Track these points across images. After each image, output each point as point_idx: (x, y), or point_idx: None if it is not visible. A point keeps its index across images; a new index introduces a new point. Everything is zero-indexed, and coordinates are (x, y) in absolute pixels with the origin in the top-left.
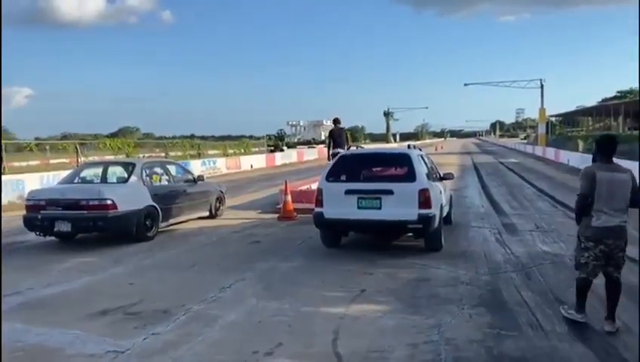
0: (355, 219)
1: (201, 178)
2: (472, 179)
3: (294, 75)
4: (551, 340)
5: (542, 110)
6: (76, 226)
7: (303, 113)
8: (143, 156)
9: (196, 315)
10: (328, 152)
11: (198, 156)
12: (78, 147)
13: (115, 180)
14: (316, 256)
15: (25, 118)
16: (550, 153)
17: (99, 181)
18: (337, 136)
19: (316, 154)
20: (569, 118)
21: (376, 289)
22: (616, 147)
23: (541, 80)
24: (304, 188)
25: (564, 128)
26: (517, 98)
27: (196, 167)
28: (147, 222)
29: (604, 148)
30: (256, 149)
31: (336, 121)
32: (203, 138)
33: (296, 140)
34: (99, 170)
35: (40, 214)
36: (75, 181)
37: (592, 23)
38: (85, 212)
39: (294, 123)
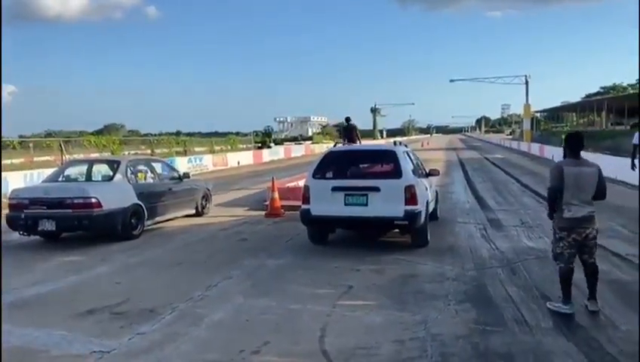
0: (341, 215)
1: (187, 175)
2: (458, 174)
3: (281, 71)
4: (536, 335)
5: (527, 106)
6: (61, 225)
7: (291, 109)
8: (129, 153)
9: (183, 314)
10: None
11: (185, 153)
12: (62, 145)
13: (99, 178)
14: (304, 253)
15: (8, 115)
16: (535, 148)
17: (83, 179)
18: (348, 133)
19: (303, 151)
20: (554, 114)
21: (363, 285)
22: (582, 143)
23: (526, 76)
24: (292, 185)
25: (549, 124)
26: (502, 94)
27: (182, 164)
28: (133, 221)
29: (572, 145)
30: (244, 146)
31: (347, 120)
32: (189, 135)
33: (283, 137)
34: (83, 168)
35: (23, 213)
36: (60, 179)
37: (576, 20)
38: (70, 211)
39: (282, 119)
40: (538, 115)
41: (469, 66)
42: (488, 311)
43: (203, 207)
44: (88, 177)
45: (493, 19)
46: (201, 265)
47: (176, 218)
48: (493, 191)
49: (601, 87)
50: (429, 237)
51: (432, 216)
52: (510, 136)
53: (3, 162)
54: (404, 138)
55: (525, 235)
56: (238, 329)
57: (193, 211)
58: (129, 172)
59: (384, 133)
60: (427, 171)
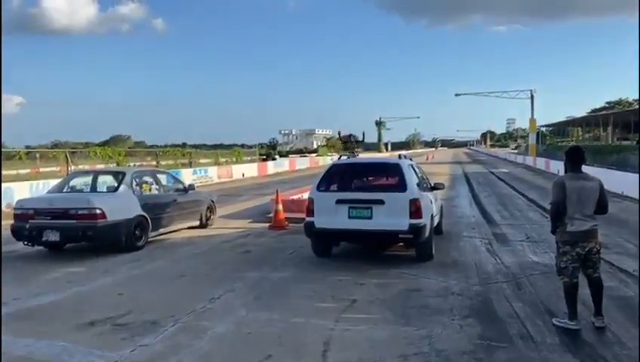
0: (346, 228)
1: (191, 187)
2: (463, 188)
3: (287, 83)
4: (541, 351)
5: (532, 120)
6: (65, 236)
7: (296, 122)
8: (134, 165)
9: (185, 326)
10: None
11: (190, 165)
12: (68, 155)
13: (104, 189)
14: (307, 265)
15: (16, 126)
16: (541, 163)
17: (88, 190)
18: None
19: (308, 163)
20: (559, 129)
21: (367, 299)
22: (583, 157)
23: (531, 90)
24: (296, 197)
25: (554, 138)
26: (508, 108)
27: (188, 175)
28: (137, 232)
29: (573, 159)
30: (249, 158)
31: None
32: (195, 147)
33: (288, 149)
34: (88, 179)
35: (28, 223)
36: (65, 190)
37: (581, 35)
38: (74, 221)
39: (287, 131)
40: (543, 129)
41: (474, 80)
42: (493, 327)
43: (207, 219)
44: (93, 188)
45: (499, 34)
46: (204, 278)
47: (181, 229)
48: (499, 206)
49: (607, 102)
50: (433, 251)
51: (437, 229)
52: (516, 151)
53: (9, 172)
54: (410, 151)
55: (531, 250)
56: (241, 342)
57: (198, 223)
58: (134, 183)
59: (389, 146)
60: (432, 185)
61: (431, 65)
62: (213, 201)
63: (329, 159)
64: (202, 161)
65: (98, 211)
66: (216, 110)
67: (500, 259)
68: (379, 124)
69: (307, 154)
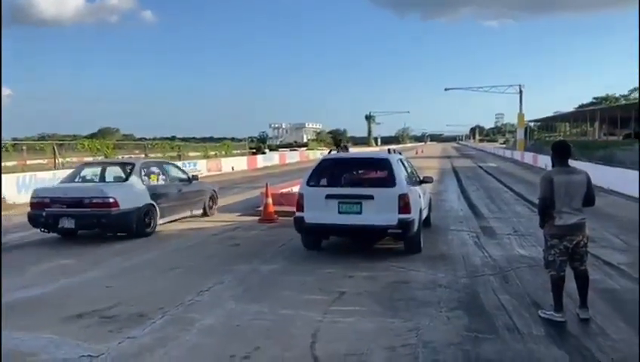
0: (335, 223)
1: (195, 178)
2: (452, 182)
3: (277, 77)
4: (527, 343)
5: (521, 115)
6: (80, 223)
7: (286, 116)
8: (122, 157)
9: (173, 319)
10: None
11: (179, 158)
12: (55, 148)
13: (115, 179)
14: (297, 258)
15: (4, 118)
16: (528, 157)
17: (99, 180)
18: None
19: (298, 157)
20: (547, 124)
21: (355, 292)
22: (569, 151)
23: (520, 86)
24: (285, 190)
25: (542, 133)
26: (496, 103)
27: None
28: (146, 219)
29: (559, 153)
30: (238, 151)
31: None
32: (184, 140)
33: (278, 143)
34: (98, 170)
35: (45, 211)
36: (76, 180)
37: (570, 31)
38: (88, 209)
39: (277, 125)
40: (532, 124)
41: (463, 75)
42: (480, 319)
43: (210, 208)
44: (102, 178)
45: (489, 28)
46: (193, 270)
47: (186, 217)
48: (487, 200)
49: (594, 98)
50: (422, 245)
51: (426, 222)
52: (504, 145)
53: None
54: (399, 146)
55: (518, 243)
56: (229, 334)
57: (201, 211)
58: (142, 173)
59: (379, 140)
60: (421, 178)
61: (421, 60)
62: (215, 191)
63: (319, 153)
64: (191, 154)
65: (112, 200)
66: (206, 103)
67: (488, 252)
68: (369, 118)
69: (297, 148)
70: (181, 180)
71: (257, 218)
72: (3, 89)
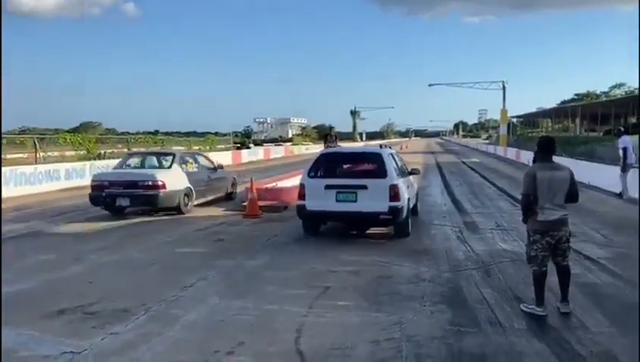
0: (333, 211)
1: (220, 166)
2: (436, 178)
3: (262, 71)
4: (509, 336)
5: (503, 111)
6: (133, 202)
7: (271, 110)
8: (104, 152)
9: (157, 314)
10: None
11: None
12: (36, 142)
13: (161, 166)
14: (281, 254)
15: None
16: (511, 153)
17: (146, 167)
18: (330, 141)
19: (283, 152)
20: (529, 119)
21: (340, 286)
22: (554, 147)
23: (503, 82)
24: (270, 185)
25: (524, 129)
26: (480, 99)
27: None
28: (185, 200)
29: (544, 149)
30: (222, 146)
31: (332, 129)
32: (167, 134)
33: (263, 138)
34: (143, 159)
35: (104, 192)
36: (124, 167)
37: (552, 27)
38: (141, 191)
39: (261, 120)
40: (514, 120)
41: (447, 71)
42: (463, 313)
43: (231, 192)
44: (149, 166)
45: (472, 25)
46: (177, 266)
47: (214, 199)
48: (470, 195)
49: (575, 94)
50: (409, 230)
51: (413, 211)
52: (487, 141)
53: None
54: (384, 141)
55: (500, 238)
56: (213, 329)
57: (224, 194)
58: (181, 162)
59: (364, 135)
60: (409, 170)
61: (406, 55)
62: (235, 178)
63: (304, 148)
64: (174, 148)
65: (160, 183)
66: (190, 98)
67: (471, 247)
68: (354, 113)
69: (282, 143)
70: (209, 168)
71: (242, 213)
72: None
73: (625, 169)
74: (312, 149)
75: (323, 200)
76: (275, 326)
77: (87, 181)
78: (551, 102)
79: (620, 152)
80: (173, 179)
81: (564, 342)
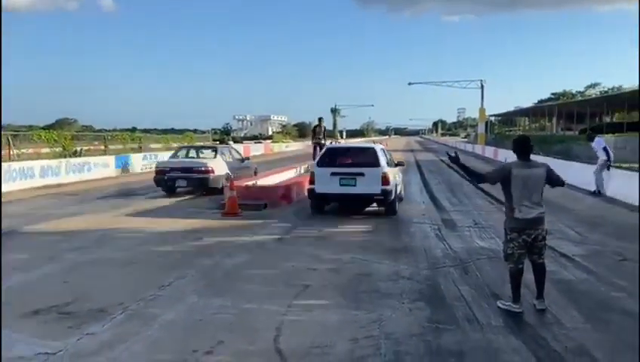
0: (337, 193)
1: (247, 158)
2: (415, 176)
3: (241, 68)
4: (486, 333)
5: (482, 110)
6: (190, 184)
7: (251, 108)
8: (81, 149)
9: (134, 314)
10: (312, 142)
11: (140, 150)
12: (10, 139)
13: (208, 156)
14: (261, 252)
15: None
16: (489, 151)
17: (197, 157)
18: (319, 132)
19: (263, 150)
20: (507, 118)
21: (320, 284)
22: (529, 145)
23: (481, 81)
24: (250, 183)
25: (502, 128)
26: (459, 98)
27: (137, 161)
28: (226, 183)
29: (520, 148)
30: (201, 144)
31: (320, 120)
32: (145, 131)
33: (242, 135)
34: (191, 151)
35: (166, 176)
36: (176, 156)
37: (530, 27)
38: (196, 175)
39: (241, 117)
40: (492, 118)
41: (427, 70)
42: (441, 310)
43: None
44: (200, 156)
45: (452, 23)
46: (154, 265)
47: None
48: (448, 193)
49: (552, 93)
50: (396, 209)
51: (399, 196)
52: (465, 139)
53: None
54: (364, 139)
55: (478, 236)
56: (192, 329)
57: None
58: (221, 153)
59: (344, 133)
60: (395, 163)
61: (386, 53)
62: (256, 168)
63: (284, 146)
64: (153, 146)
65: (210, 168)
66: (168, 94)
67: (449, 245)
68: (334, 111)
69: (262, 141)
70: (239, 159)
71: (221, 211)
72: None
73: (607, 168)
74: (293, 147)
75: (329, 184)
76: (255, 325)
77: (62, 179)
78: (528, 102)
79: (601, 153)
80: (218, 166)
81: (540, 339)
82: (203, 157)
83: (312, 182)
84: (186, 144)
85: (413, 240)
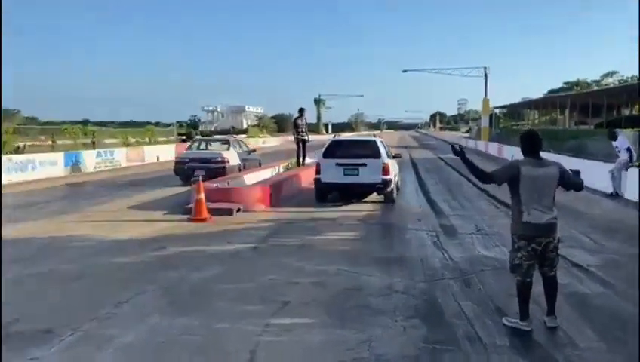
0: (341, 182)
1: (254, 150)
2: (410, 176)
3: (212, 53)
4: (490, 354)
5: (485, 101)
6: (207, 173)
7: (222, 97)
8: (24, 145)
9: (86, 335)
10: (294, 136)
11: (93, 145)
12: None
13: (222, 148)
14: (233, 263)
15: None
16: (493, 148)
17: (213, 149)
18: (300, 126)
19: None
20: (514, 110)
21: (301, 300)
22: (539, 141)
23: (485, 68)
24: (221, 185)
25: (508, 121)
26: (460, 88)
27: (90, 159)
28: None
29: (528, 146)
30: (164, 138)
31: (302, 111)
32: (99, 124)
33: (213, 129)
34: (205, 143)
35: (186, 166)
36: (194, 149)
37: (540, 6)
38: (213, 165)
39: (211, 108)
40: (497, 111)
41: (424, 57)
42: (439, 328)
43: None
44: (215, 147)
45: (453, 4)
46: (109, 279)
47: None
48: (447, 195)
49: (565, 83)
50: (395, 197)
51: (397, 186)
52: (467, 135)
53: None
54: (353, 134)
55: (481, 243)
56: (153, 352)
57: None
58: (233, 145)
59: (329, 127)
60: (394, 155)
61: (377, 38)
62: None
63: (261, 141)
64: (108, 141)
65: (226, 159)
66: (125, 82)
67: (448, 254)
68: (318, 102)
69: (235, 135)
70: (246, 151)
71: (187, 217)
72: None
73: (626, 168)
74: (271, 142)
75: (334, 174)
76: (226, 348)
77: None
78: (538, 92)
79: (624, 153)
80: (232, 157)
81: (551, 361)
82: (217, 149)
83: (317, 172)
84: (201, 137)
85: (407, 249)
